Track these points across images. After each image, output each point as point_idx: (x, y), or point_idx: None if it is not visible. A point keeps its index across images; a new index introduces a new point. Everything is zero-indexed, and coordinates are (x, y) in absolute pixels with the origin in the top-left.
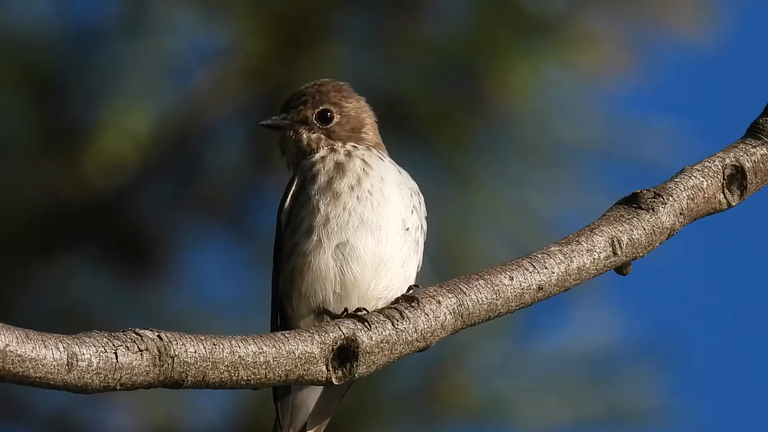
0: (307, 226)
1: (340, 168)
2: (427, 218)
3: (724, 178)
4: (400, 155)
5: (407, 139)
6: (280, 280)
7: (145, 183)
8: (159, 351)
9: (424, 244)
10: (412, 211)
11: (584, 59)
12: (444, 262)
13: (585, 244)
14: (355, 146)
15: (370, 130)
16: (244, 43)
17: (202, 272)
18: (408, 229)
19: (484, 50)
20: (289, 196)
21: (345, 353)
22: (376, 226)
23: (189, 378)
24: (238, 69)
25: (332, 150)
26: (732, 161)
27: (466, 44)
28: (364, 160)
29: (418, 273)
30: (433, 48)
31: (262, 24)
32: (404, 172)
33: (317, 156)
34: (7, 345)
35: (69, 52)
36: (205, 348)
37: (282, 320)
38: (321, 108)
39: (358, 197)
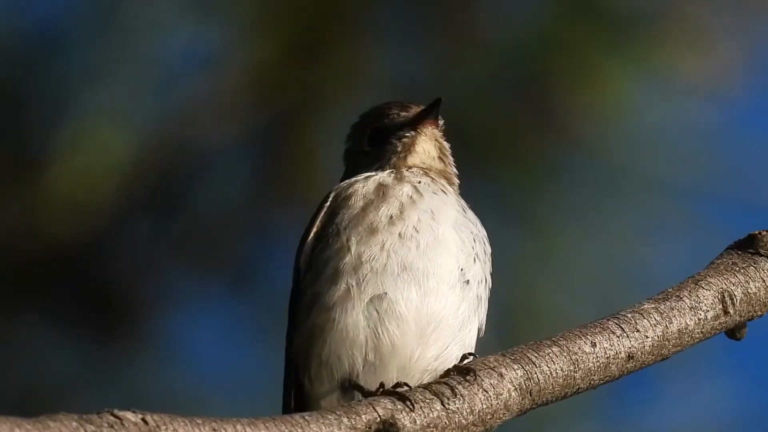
0: (333, 271)
1: (381, 191)
2: (492, 274)
3: None
4: None
5: (460, 167)
6: (295, 342)
7: (121, 227)
8: None
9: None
10: (475, 260)
11: (687, 66)
12: (509, 323)
13: (688, 301)
14: (421, 171)
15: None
16: (247, 47)
17: (196, 339)
18: (468, 281)
19: (560, 55)
20: (314, 230)
21: None
22: (423, 275)
23: None
24: (240, 79)
25: (391, 172)
26: None
27: (537, 47)
28: (415, 187)
29: (478, 338)
30: (494, 52)
31: (269, 22)
32: (470, 213)
33: (363, 175)
34: None
35: (23, 56)
36: None
37: (297, 397)
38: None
39: (400, 234)
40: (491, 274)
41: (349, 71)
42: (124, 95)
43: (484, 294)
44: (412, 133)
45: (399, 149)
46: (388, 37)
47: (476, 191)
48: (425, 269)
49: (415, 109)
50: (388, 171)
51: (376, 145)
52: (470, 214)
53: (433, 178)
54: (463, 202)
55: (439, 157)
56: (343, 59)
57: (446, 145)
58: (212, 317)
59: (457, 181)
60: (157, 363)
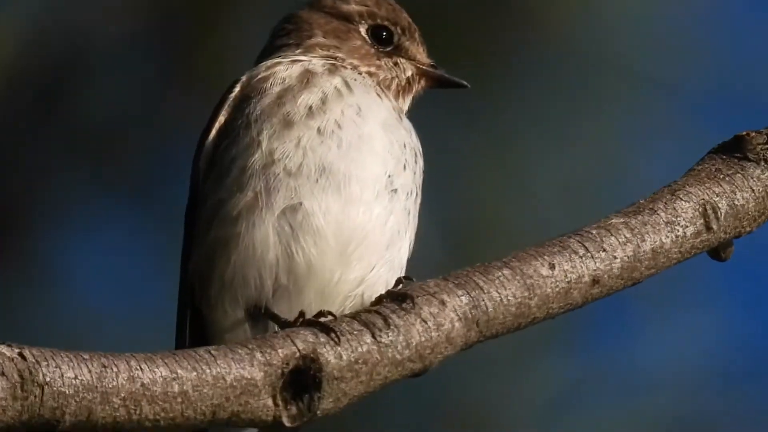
0: (239, 171)
1: (305, 78)
2: (423, 190)
3: None
4: None
5: None
6: (192, 259)
7: None
8: (21, 377)
9: (422, 216)
10: (405, 167)
11: None
12: (457, 241)
13: (663, 215)
14: (356, 69)
15: None
16: None
17: (85, 259)
18: (396, 191)
19: None
20: (217, 123)
21: (302, 379)
22: (345, 179)
23: (67, 417)
24: None
25: (327, 62)
26: None
27: None
28: (346, 82)
29: (409, 259)
30: None
31: None
32: (407, 122)
33: (290, 58)
34: None
35: None
36: (90, 372)
37: (194, 326)
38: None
39: (319, 130)
40: (421, 189)
41: None
42: None
43: (414, 209)
44: (412, 73)
45: (392, 74)
46: None
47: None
48: (347, 172)
49: (423, 52)
50: (324, 61)
51: (377, 40)
52: (406, 122)
53: (379, 88)
54: (402, 113)
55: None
56: None
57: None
58: (104, 233)
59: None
60: (39, 287)
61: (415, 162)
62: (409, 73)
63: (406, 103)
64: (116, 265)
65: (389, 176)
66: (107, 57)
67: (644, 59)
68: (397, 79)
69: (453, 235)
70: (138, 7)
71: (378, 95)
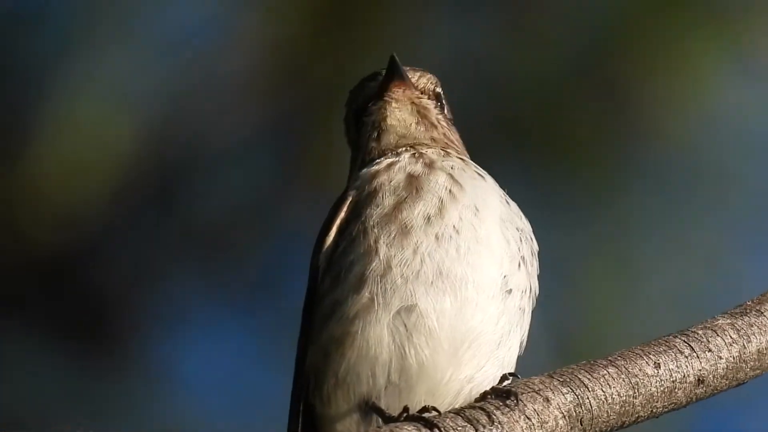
0: (357, 276)
1: (413, 185)
2: (540, 277)
3: None
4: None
5: (517, 162)
6: (308, 356)
7: (115, 227)
8: None
9: (533, 313)
10: (520, 265)
11: None
12: (564, 342)
13: None
14: (444, 151)
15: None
16: (269, 18)
17: (200, 358)
18: (510, 291)
19: (636, 34)
20: (335, 225)
21: None
22: (461, 283)
23: None
24: (260, 55)
25: (413, 154)
26: None
27: (611, 24)
28: (451, 176)
29: (519, 357)
30: (562, 28)
31: None
32: (512, 203)
33: (384, 163)
34: None
35: None
36: None
37: (306, 418)
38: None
39: (437, 236)
40: (538, 278)
41: (392, 46)
42: (121, 70)
43: (528, 306)
44: (379, 104)
45: (369, 129)
46: (441, 5)
47: (538, 190)
48: (464, 277)
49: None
50: (408, 154)
51: (358, 128)
52: (513, 204)
53: (461, 159)
54: (497, 185)
55: (420, 122)
56: (384, 31)
57: (428, 104)
58: (217, 332)
59: (464, 150)
60: (152, 385)
61: (531, 253)
62: (378, 105)
63: (442, 126)
64: (230, 364)
65: (504, 277)
66: (221, 158)
67: (756, 164)
68: (383, 121)
69: (562, 337)
70: (252, 109)
71: (480, 175)
